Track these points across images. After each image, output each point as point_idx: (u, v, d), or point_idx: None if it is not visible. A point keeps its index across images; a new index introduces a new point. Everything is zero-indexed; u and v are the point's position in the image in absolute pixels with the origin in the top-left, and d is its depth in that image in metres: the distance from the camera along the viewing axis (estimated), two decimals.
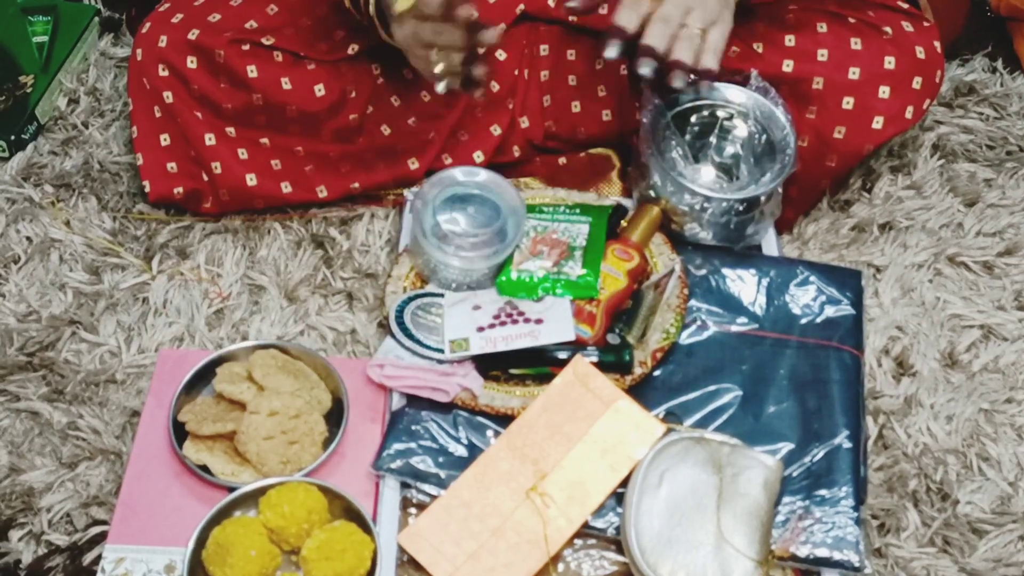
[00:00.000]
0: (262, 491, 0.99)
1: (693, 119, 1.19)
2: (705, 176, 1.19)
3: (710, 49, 1.03)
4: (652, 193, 1.14)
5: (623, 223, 1.15)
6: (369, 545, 0.97)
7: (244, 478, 1.02)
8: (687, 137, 1.19)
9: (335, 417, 1.06)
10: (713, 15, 1.04)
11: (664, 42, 1.02)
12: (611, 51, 1.02)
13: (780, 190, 1.14)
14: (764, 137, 1.16)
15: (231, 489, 1.00)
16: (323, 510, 0.99)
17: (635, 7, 1.03)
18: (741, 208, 1.12)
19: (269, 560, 0.96)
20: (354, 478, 1.03)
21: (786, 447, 1.03)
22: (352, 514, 0.99)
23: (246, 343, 1.11)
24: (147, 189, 1.22)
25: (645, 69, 1.02)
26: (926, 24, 1.17)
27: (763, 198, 1.12)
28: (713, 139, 1.20)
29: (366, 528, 0.98)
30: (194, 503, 1.02)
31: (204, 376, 1.09)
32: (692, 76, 1.04)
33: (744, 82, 1.16)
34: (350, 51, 1.20)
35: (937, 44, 1.15)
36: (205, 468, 1.03)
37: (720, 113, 1.18)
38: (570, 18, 1.23)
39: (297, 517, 0.97)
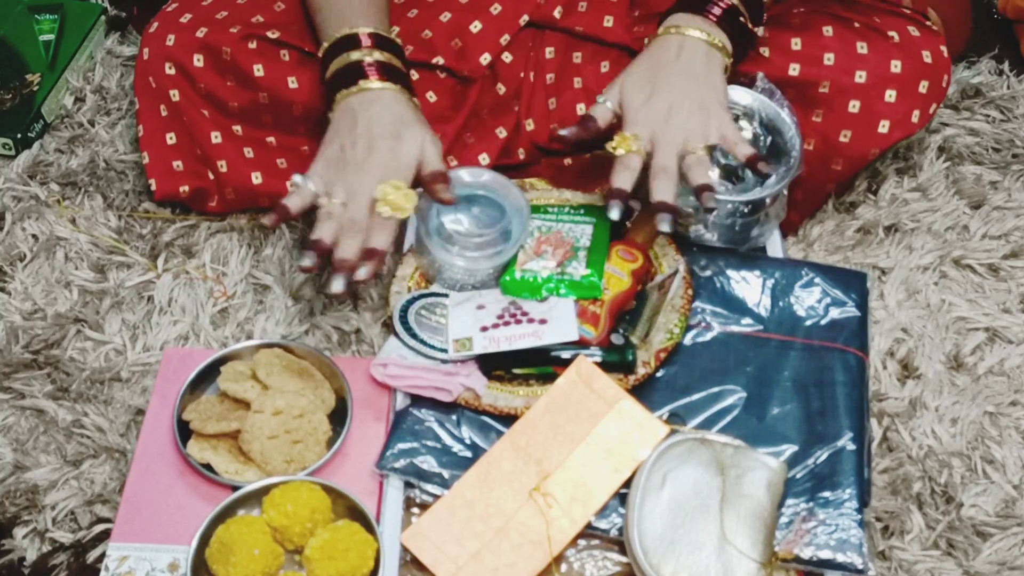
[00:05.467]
0: (266, 490, 1.00)
1: None
2: (712, 178, 1.19)
3: (704, 164, 1.03)
4: None
5: (627, 224, 1.15)
6: (372, 544, 0.97)
7: (248, 477, 1.02)
8: None
9: (339, 416, 1.06)
10: (701, 130, 1.04)
11: (671, 194, 1.02)
12: (614, 212, 1.02)
13: (785, 192, 1.14)
14: (770, 139, 1.16)
15: (235, 488, 1.00)
16: (326, 509, 0.99)
17: (629, 167, 1.03)
18: (746, 210, 1.12)
19: (272, 559, 0.96)
20: (357, 477, 1.03)
21: (790, 449, 1.03)
22: (355, 514, 0.99)
23: (251, 342, 1.11)
24: (153, 187, 1.22)
25: (664, 226, 1.02)
26: (932, 28, 1.16)
27: (768, 200, 1.12)
28: None
29: (369, 528, 0.98)
30: (198, 502, 1.02)
31: (208, 375, 1.09)
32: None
33: (750, 84, 1.16)
34: None
35: (943, 48, 1.15)
36: (209, 467, 1.03)
37: None
38: (576, 28, 1.23)
39: (300, 516, 0.97)
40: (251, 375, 1.08)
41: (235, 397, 1.06)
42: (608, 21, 1.23)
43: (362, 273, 1.02)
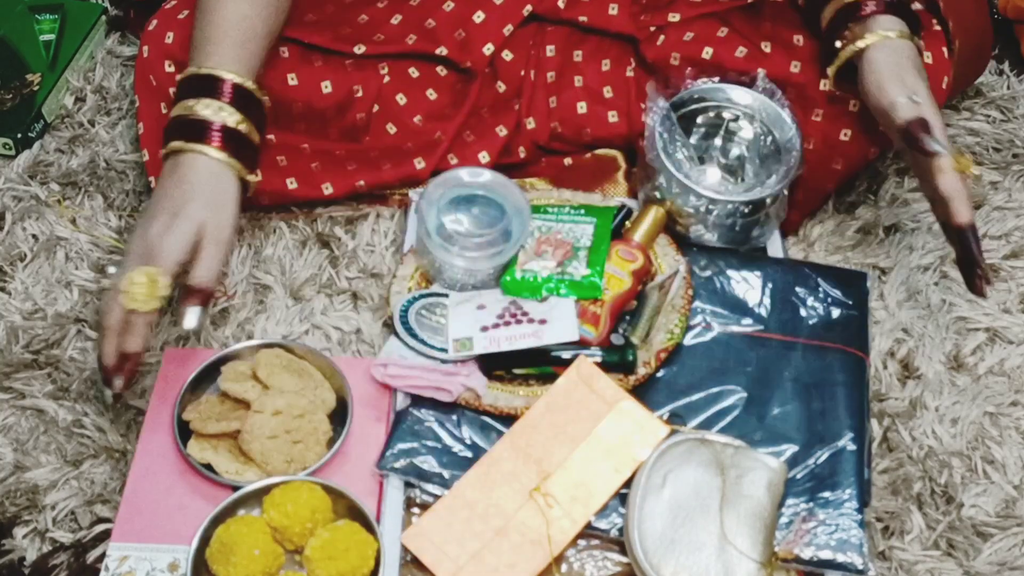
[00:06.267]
0: (266, 490, 1.00)
1: (699, 120, 1.19)
2: (711, 177, 1.19)
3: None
4: (657, 194, 1.14)
5: (627, 224, 1.15)
6: (372, 545, 0.97)
7: (248, 477, 1.02)
8: (693, 138, 1.19)
9: (339, 417, 1.06)
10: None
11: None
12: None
13: (786, 192, 1.14)
14: (770, 139, 1.16)
15: (235, 488, 1.00)
16: (327, 509, 0.99)
17: (967, 193, 1.01)
18: (746, 210, 1.12)
19: (272, 559, 0.96)
20: (358, 478, 1.03)
21: (790, 449, 1.03)
22: (355, 513, 0.99)
23: (251, 342, 1.11)
24: (153, 185, 1.22)
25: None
26: (935, 29, 1.16)
27: (768, 200, 1.12)
28: (719, 140, 1.20)
29: (369, 528, 0.98)
30: (198, 502, 1.02)
31: (209, 375, 1.09)
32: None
33: (751, 83, 1.16)
34: (357, 50, 1.21)
35: (944, 50, 1.14)
36: (209, 467, 1.03)
37: (726, 114, 1.18)
38: (580, 18, 1.24)
39: (301, 516, 0.97)
40: (251, 375, 1.07)
41: (235, 397, 1.06)
42: (613, 9, 1.23)
43: (116, 385, 0.97)
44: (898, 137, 1.04)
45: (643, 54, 1.22)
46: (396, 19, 1.24)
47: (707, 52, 1.19)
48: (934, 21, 1.15)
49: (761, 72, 1.16)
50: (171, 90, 1.19)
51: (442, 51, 1.22)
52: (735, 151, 1.20)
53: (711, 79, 1.18)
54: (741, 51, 1.18)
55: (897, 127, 1.03)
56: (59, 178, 1.32)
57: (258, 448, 1.02)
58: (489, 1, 1.22)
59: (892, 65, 1.04)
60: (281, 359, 1.08)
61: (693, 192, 1.11)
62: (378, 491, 1.03)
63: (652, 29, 1.22)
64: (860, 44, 1.06)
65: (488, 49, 1.22)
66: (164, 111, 1.20)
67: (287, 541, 0.98)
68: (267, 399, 1.04)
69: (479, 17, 1.22)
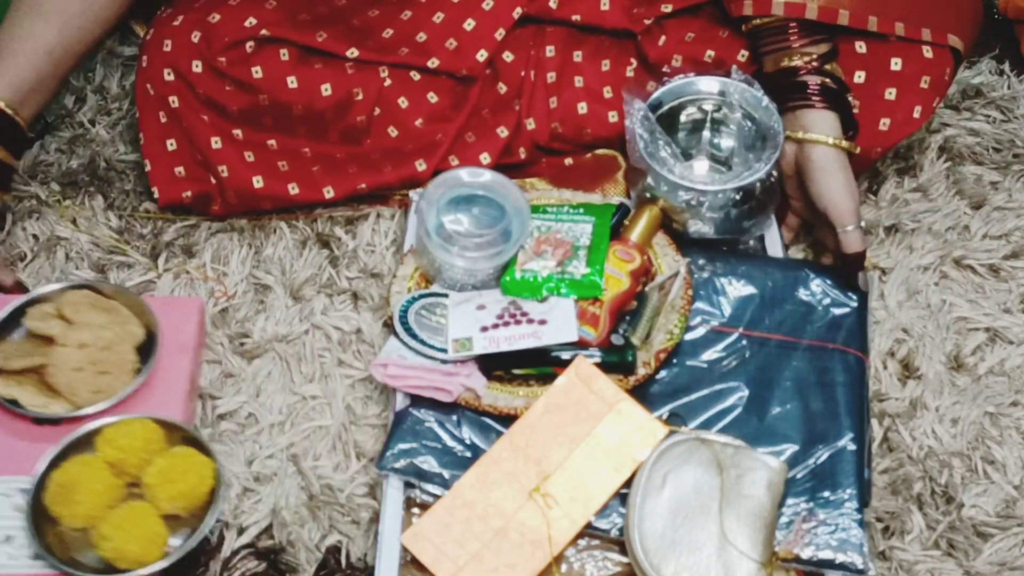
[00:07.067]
0: (97, 431, 1.01)
1: (683, 117, 1.19)
2: (698, 170, 1.19)
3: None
4: (648, 194, 1.14)
5: (625, 223, 1.15)
6: (209, 465, 0.99)
7: (54, 409, 1.03)
8: (681, 134, 1.20)
9: (148, 351, 1.07)
10: None
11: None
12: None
13: (775, 174, 1.13)
14: (753, 126, 1.16)
15: (37, 421, 1.02)
16: (160, 440, 1.01)
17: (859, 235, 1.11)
18: (737, 198, 1.12)
19: (114, 492, 0.98)
20: (166, 406, 1.05)
21: (790, 449, 1.03)
22: (190, 443, 1.01)
23: (57, 285, 1.12)
24: (156, 196, 1.23)
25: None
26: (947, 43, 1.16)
27: (759, 185, 1.12)
28: (707, 133, 1.20)
29: (205, 452, 1.00)
30: (7, 438, 1.02)
31: (15, 320, 1.09)
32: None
33: (726, 76, 1.17)
34: (350, 54, 1.21)
35: (944, 45, 1.15)
36: (15, 403, 1.03)
37: (707, 106, 1.18)
38: (573, 17, 1.24)
39: (135, 448, 0.99)
40: (58, 315, 1.08)
41: (40, 334, 1.07)
42: (604, 4, 1.23)
43: None
44: (832, 246, 1.13)
45: (645, 53, 1.22)
46: (388, 33, 1.24)
47: (709, 55, 1.19)
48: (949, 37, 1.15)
49: (735, 66, 1.16)
50: (171, 98, 1.19)
51: (433, 63, 1.22)
52: (725, 142, 1.20)
53: (686, 75, 1.18)
54: (743, 54, 1.19)
55: (842, 254, 1.11)
56: (59, 178, 1.32)
57: (64, 380, 1.03)
58: (479, 7, 1.22)
59: (841, 177, 1.11)
60: (89, 299, 1.10)
61: (681, 187, 1.11)
62: (185, 415, 1.05)
63: (647, 22, 1.22)
64: (804, 136, 1.11)
65: (482, 55, 1.22)
66: (163, 120, 1.21)
67: (125, 474, 1.00)
68: (72, 333, 1.05)
69: (470, 25, 1.23)
